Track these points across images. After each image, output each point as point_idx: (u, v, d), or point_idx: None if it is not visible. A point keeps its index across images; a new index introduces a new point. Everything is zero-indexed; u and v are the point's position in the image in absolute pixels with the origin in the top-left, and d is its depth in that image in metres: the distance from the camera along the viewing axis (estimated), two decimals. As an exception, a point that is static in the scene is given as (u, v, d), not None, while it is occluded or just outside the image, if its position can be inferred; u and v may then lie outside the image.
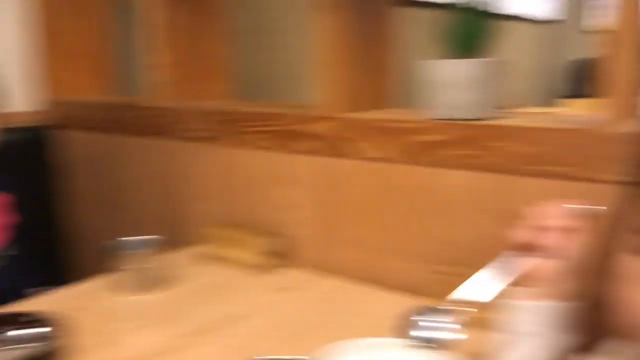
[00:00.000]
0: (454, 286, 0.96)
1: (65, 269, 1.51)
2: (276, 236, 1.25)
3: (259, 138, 1.28)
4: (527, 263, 0.71)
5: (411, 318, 0.74)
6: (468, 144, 1.02)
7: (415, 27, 1.13)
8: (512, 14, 3.20)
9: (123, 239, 1.13)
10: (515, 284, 0.73)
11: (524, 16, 3.43)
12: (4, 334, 0.84)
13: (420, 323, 0.73)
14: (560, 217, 0.71)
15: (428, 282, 0.85)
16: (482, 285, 0.73)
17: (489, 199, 1.01)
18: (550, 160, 0.94)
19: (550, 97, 3.16)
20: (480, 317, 0.77)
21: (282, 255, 1.24)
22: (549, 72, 3.65)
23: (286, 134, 1.24)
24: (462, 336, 0.72)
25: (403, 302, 0.80)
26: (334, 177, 1.19)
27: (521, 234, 0.71)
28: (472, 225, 1.03)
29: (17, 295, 1.08)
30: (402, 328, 0.73)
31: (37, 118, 1.59)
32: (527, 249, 0.71)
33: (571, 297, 0.69)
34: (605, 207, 0.73)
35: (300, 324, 0.99)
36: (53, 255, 1.53)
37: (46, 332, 0.86)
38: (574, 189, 0.92)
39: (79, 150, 1.62)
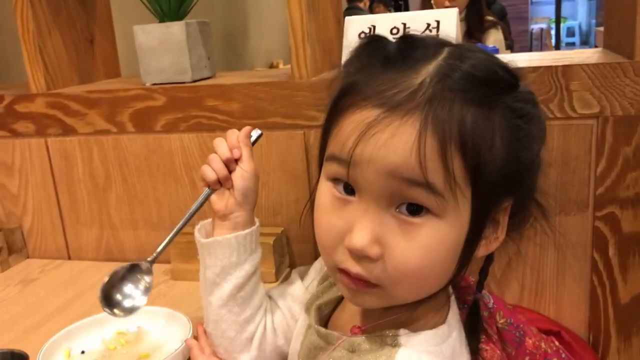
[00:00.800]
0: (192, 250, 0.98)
1: None
2: (10, 229, 1.16)
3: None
4: (214, 197, 0.74)
5: (108, 283, 0.74)
6: (185, 106, 1.03)
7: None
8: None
9: None
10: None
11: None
12: None
13: (119, 286, 0.74)
14: (226, 148, 0.74)
15: (167, 249, 0.85)
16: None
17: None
18: (264, 112, 0.99)
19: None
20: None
21: (18, 248, 1.17)
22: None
23: (5, 117, 1.14)
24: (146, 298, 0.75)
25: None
26: (68, 155, 1.13)
27: (207, 171, 0.73)
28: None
29: None
30: (102, 296, 0.73)
31: None
32: (215, 183, 0.74)
33: (244, 224, 0.73)
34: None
35: (40, 313, 0.95)
36: None
37: None
38: (289, 137, 0.98)
39: None
